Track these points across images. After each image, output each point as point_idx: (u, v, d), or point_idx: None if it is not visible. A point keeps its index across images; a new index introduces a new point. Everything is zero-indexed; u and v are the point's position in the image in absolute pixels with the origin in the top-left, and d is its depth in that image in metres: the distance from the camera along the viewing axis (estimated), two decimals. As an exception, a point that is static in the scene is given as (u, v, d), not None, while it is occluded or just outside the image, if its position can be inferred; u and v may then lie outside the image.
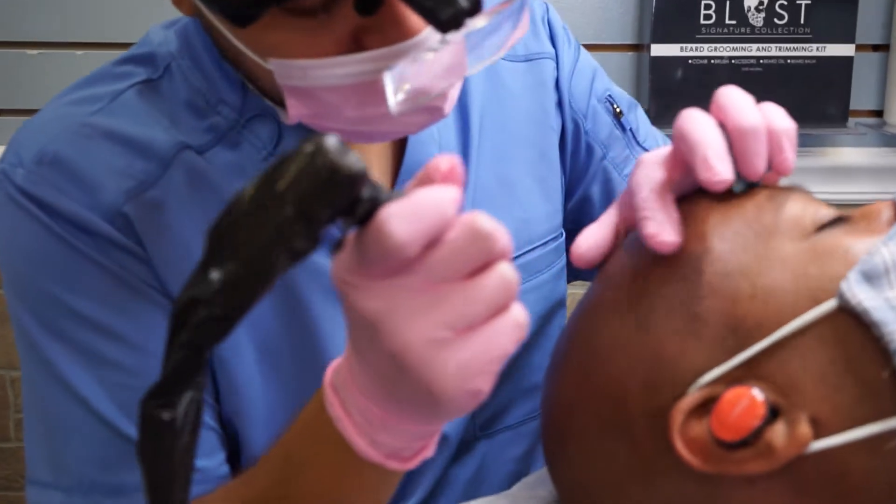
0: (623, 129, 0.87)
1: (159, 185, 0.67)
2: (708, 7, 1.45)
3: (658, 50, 1.47)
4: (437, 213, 0.44)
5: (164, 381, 0.43)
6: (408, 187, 0.46)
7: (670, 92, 1.48)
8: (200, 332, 0.43)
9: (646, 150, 0.85)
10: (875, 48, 1.53)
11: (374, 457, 0.52)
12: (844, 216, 0.54)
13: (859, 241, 0.52)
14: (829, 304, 0.49)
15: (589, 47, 1.43)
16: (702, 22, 1.46)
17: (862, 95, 1.54)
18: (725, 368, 0.50)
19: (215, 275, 0.42)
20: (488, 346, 0.45)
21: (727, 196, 0.55)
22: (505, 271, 0.45)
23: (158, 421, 0.43)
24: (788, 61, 1.49)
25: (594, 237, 0.59)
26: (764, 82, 1.49)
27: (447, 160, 0.45)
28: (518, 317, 0.46)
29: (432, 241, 0.44)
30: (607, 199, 0.85)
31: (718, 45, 1.47)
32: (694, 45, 1.47)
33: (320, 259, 0.71)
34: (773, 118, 0.55)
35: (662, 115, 1.48)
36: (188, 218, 0.68)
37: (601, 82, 0.88)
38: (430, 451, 0.54)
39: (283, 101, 0.62)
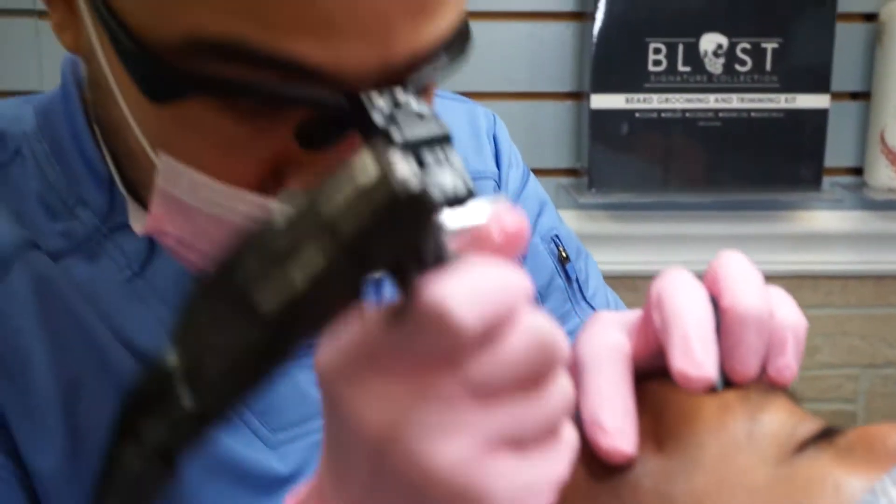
0: (568, 277, 0.83)
1: None
2: (658, 51, 1.37)
3: (599, 101, 1.37)
4: (506, 297, 0.40)
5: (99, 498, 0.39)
6: (460, 242, 0.43)
7: (614, 149, 1.41)
8: (175, 434, 0.37)
9: (593, 308, 0.83)
10: (853, 96, 1.47)
11: None
12: (833, 430, 0.48)
13: (854, 474, 0.46)
14: None
15: (519, 95, 1.41)
16: (650, 69, 1.38)
17: (839, 150, 1.48)
18: None
19: (209, 340, 0.37)
20: (545, 470, 0.43)
21: (702, 395, 0.51)
22: (566, 386, 0.44)
23: None
24: (752, 114, 1.43)
25: None
26: (724, 139, 1.44)
27: (516, 219, 0.42)
28: (570, 437, 0.45)
29: (490, 336, 0.41)
30: None
31: (670, 96, 1.41)
32: (641, 96, 1.39)
33: (230, 439, 0.68)
34: (781, 308, 0.49)
35: (604, 175, 1.41)
36: (27, 331, 0.65)
37: (548, 219, 0.85)
38: None
39: (145, 201, 0.58)
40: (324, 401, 0.42)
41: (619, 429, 0.46)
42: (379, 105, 0.48)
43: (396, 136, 0.46)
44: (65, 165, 0.66)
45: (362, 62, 0.48)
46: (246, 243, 0.36)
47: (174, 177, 0.53)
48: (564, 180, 1.48)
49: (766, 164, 1.44)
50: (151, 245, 0.66)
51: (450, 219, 0.42)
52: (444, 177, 0.46)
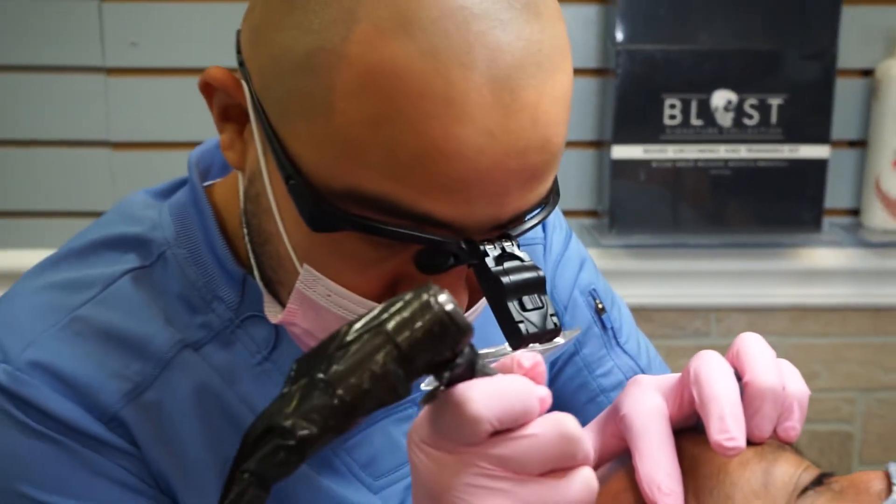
0: (604, 326, 0.89)
1: (156, 387, 0.70)
2: (673, 106, 1.44)
3: (619, 151, 1.45)
4: (521, 400, 0.49)
5: None
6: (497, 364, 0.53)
7: (632, 194, 1.48)
8: (271, 461, 0.45)
9: (625, 352, 0.89)
10: (851, 144, 1.54)
11: None
12: (826, 476, 0.57)
13: None
14: None
15: None
16: (666, 122, 1.45)
17: (837, 193, 1.56)
18: None
19: (304, 395, 0.46)
20: None
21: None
22: (589, 478, 0.51)
23: None
24: (759, 163, 1.49)
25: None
26: (733, 185, 1.50)
27: (530, 358, 0.51)
28: None
29: (512, 427, 0.49)
30: (566, 395, 0.89)
31: (684, 147, 1.47)
32: (658, 147, 1.46)
33: (328, 480, 0.75)
34: (790, 381, 0.58)
35: (624, 219, 1.49)
36: (184, 418, 0.71)
37: (588, 274, 0.90)
38: None
39: (279, 291, 0.66)
40: (410, 459, 0.52)
41: (674, 490, 0.55)
42: (491, 252, 0.58)
43: (505, 279, 0.56)
44: (201, 267, 0.73)
45: (482, 218, 0.58)
46: (332, 340, 0.47)
47: (312, 283, 0.62)
48: (587, 221, 1.55)
49: (771, 207, 1.50)
50: (276, 332, 0.73)
51: (536, 347, 0.53)
52: (534, 315, 0.57)
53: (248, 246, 0.71)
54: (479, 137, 0.56)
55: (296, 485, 0.74)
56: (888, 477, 0.57)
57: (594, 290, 0.90)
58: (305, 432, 0.46)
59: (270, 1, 0.62)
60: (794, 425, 0.57)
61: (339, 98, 0.57)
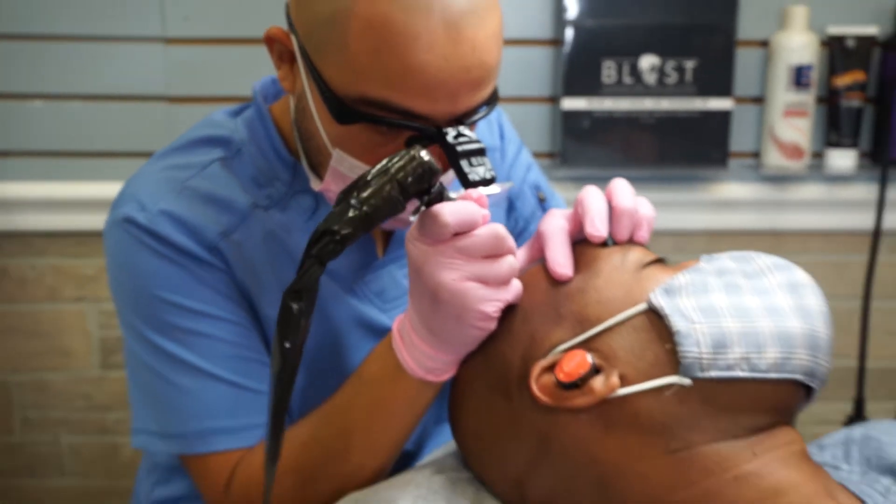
0: (544, 210, 1.05)
1: (239, 230, 0.84)
2: (609, 68, 1.57)
3: (568, 104, 1.58)
4: (472, 214, 0.64)
5: (296, 282, 0.57)
6: (458, 197, 0.67)
7: (579, 138, 1.59)
8: (325, 250, 0.57)
9: None
10: (752, 100, 1.65)
11: (418, 373, 0.72)
12: (662, 259, 0.73)
13: (667, 274, 0.71)
14: (642, 306, 0.67)
15: (512, 99, 1.64)
16: (604, 81, 1.57)
17: (742, 139, 1.66)
18: (572, 343, 0.68)
19: (342, 212, 0.57)
20: (497, 295, 0.66)
21: (599, 247, 0.73)
22: (512, 261, 0.67)
23: (289, 308, 0.57)
24: (677, 114, 1.58)
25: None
26: (657, 131, 1.59)
27: (476, 192, 0.68)
28: (516, 286, 0.68)
29: (467, 230, 0.64)
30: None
31: (619, 100, 1.57)
32: (599, 99, 1.57)
33: (353, 301, 0.89)
34: (641, 206, 0.73)
35: (573, 157, 1.61)
36: (258, 253, 0.84)
37: (533, 175, 1.06)
38: (451, 374, 0.73)
39: (321, 171, 0.80)
40: (410, 266, 0.67)
41: (567, 267, 0.71)
42: (450, 133, 0.73)
43: (459, 148, 0.72)
44: (266, 158, 0.87)
45: (444, 112, 0.73)
46: (358, 179, 0.60)
47: (341, 160, 0.77)
48: (544, 160, 1.65)
49: (688, 149, 1.60)
50: (316, 201, 0.87)
51: (480, 189, 0.69)
52: (479, 170, 0.72)
53: (298, 142, 0.84)
54: (438, 61, 0.70)
55: (332, 301, 0.88)
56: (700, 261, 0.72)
57: (538, 185, 1.07)
58: (346, 231, 0.58)
59: None
60: (642, 234, 0.73)
61: (351, 39, 0.71)
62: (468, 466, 0.76)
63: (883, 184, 1.06)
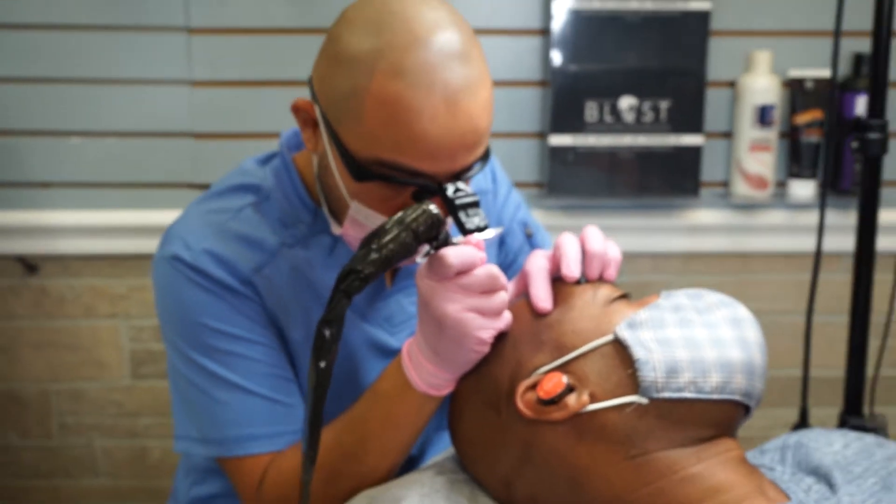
0: (532, 246, 1.12)
1: (269, 266, 0.91)
2: (591, 108, 1.64)
3: (555, 140, 1.64)
4: (472, 257, 0.71)
5: (327, 313, 0.63)
6: (460, 242, 0.73)
7: (565, 170, 1.66)
8: (352, 286, 0.63)
9: None
10: (721, 135, 1.73)
11: (423, 388, 0.78)
12: (626, 294, 0.79)
13: (631, 308, 0.78)
14: (609, 337, 0.74)
15: (505, 135, 1.69)
16: (587, 119, 1.64)
17: (712, 171, 1.73)
18: (551, 366, 0.74)
19: (366, 255, 0.63)
20: (492, 324, 0.72)
21: (573, 284, 0.79)
22: (504, 296, 0.74)
23: (322, 334, 0.63)
24: (653, 149, 1.65)
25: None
26: (635, 164, 1.66)
27: (475, 238, 0.74)
28: (507, 317, 0.74)
29: (467, 270, 0.70)
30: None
31: (601, 136, 1.64)
32: (582, 136, 1.64)
33: (365, 326, 0.95)
34: (610, 250, 0.80)
35: (559, 187, 1.68)
36: (285, 285, 0.90)
37: (522, 213, 1.12)
38: (450, 389, 0.80)
39: (340, 218, 0.86)
40: (419, 298, 0.72)
41: (546, 300, 0.76)
42: (450, 188, 0.78)
43: (457, 201, 0.77)
44: (290, 203, 0.93)
45: (445, 170, 0.78)
46: (378, 228, 0.66)
47: (358, 211, 0.83)
48: (533, 190, 1.72)
49: (663, 180, 1.66)
50: (334, 240, 0.93)
51: (476, 235, 0.76)
52: (475, 219, 0.76)
53: (320, 192, 0.91)
54: (439, 130, 0.76)
55: (348, 325, 0.94)
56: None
57: (526, 222, 1.13)
58: (368, 270, 0.65)
59: (327, 61, 0.81)
60: (610, 273, 0.80)
61: (367, 112, 0.76)
62: (465, 468, 0.82)
63: (821, 210, 1.19)
